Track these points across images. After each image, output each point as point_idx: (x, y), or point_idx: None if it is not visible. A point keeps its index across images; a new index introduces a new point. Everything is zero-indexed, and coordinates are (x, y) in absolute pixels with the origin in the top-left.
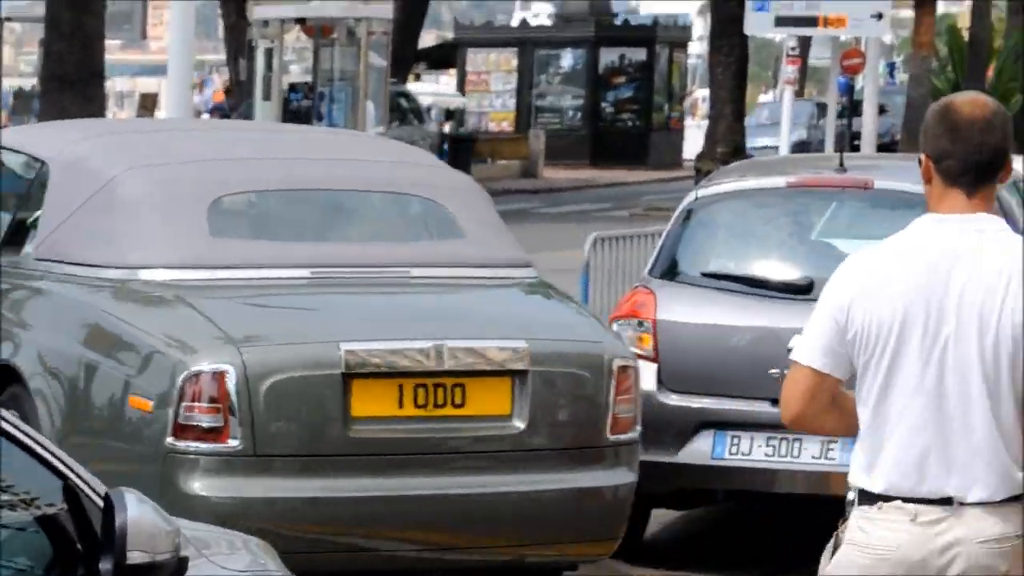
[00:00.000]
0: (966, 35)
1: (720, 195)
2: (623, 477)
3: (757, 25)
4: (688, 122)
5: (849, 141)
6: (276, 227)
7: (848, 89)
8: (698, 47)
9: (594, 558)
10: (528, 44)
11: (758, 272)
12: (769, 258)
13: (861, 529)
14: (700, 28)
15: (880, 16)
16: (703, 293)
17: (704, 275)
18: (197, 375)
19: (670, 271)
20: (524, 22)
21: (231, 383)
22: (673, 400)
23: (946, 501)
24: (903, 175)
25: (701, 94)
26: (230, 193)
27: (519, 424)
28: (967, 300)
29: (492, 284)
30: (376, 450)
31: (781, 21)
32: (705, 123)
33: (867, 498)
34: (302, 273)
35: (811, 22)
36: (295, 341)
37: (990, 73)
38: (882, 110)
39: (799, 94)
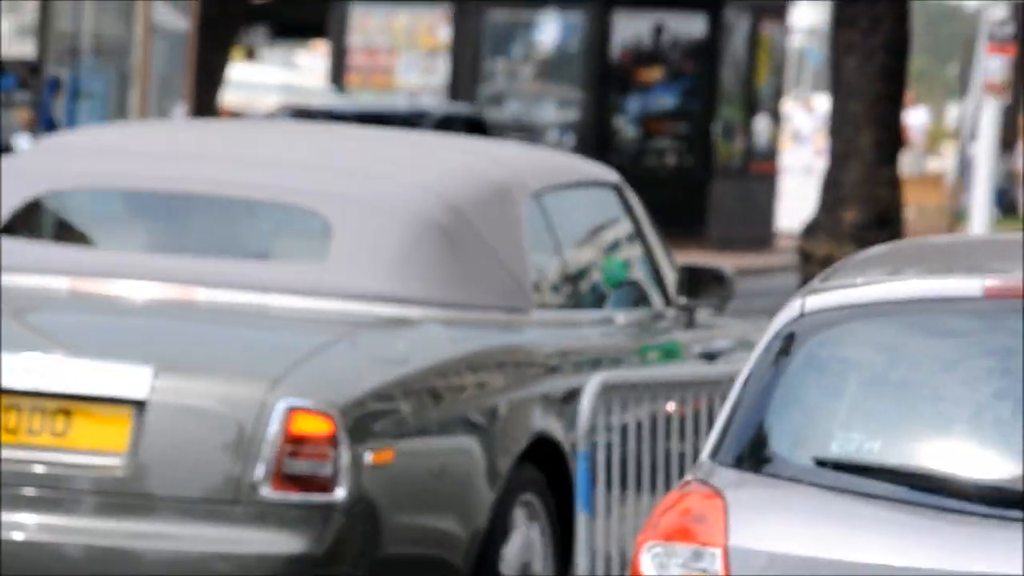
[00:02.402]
0: None
1: (850, 309)
2: (278, 544)
3: None
4: (787, 159)
5: None
6: (83, 230)
7: None
8: (811, 15)
9: None
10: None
11: (934, 462)
12: (952, 434)
13: None
14: None
15: None
16: (821, 498)
17: (821, 463)
18: None
19: (752, 454)
20: None
21: None
22: None
23: None
24: None
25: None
26: (56, 189)
27: (131, 465)
28: None
29: (260, 315)
30: None
31: None
32: (815, 165)
33: None
34: (59, 282)
35: None
36: None
37: None
38: None
39: (1014, 107)
